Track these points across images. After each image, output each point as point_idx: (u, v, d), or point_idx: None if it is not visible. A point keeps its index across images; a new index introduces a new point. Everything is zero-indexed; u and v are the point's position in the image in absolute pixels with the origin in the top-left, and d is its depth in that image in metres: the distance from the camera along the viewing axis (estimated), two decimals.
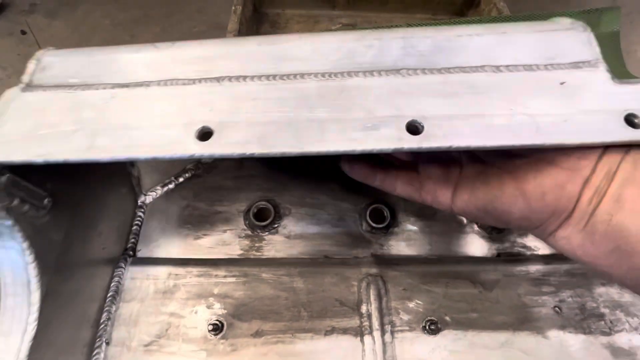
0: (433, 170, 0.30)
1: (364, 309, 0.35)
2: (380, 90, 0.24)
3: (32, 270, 0.26)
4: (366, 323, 0.34)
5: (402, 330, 0.34)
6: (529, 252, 0.39)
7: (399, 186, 0.31)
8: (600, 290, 0.35)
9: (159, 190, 0.42)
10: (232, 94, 0.24)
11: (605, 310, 0.34)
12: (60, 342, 0.29)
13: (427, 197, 0.29)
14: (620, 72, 0.57)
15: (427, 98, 0.23)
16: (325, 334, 0.34)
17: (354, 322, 0.34)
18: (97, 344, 0.33)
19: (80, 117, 0.24)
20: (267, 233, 0.40)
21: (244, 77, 0.25)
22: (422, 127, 0.22)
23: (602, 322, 0.34)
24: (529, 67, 0.24)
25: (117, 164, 0.39)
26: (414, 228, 0.41)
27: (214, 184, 0.42)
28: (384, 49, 0.25)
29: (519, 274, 0.37)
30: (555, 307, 0.35)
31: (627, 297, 0.35)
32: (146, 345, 0.33)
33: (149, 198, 0.41)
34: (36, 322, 0.26)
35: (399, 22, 0.69)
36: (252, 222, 0.40)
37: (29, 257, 0.26)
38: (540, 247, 0.40)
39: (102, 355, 0.32)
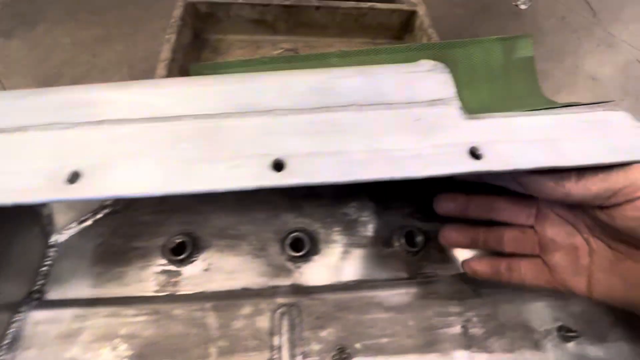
0: (558, 259, 0.30)
1: (275, 341, 0.35)
2: (252, 130, 0.25)
3: None
4: (276, 356, 0.34)
5: None
6: (441, 273, 0.40)
7: (528, 278, 0.31)
8: (505, 307, 0.37)
9: (74, 228, 0.41)
10: (109, 136, 0.25)
11: (508, 329, 0.36)
12: None
13: (561, 288, 0.30)
14: (535, 95, 0.62)
15: (293, 137, 0.25)
16: None
17: (264, 356, 0.34)
18: None
19: None
20: (185, 267, 0.40)
21: (122, 120, 0.26)
22: (285, 164, 0.24)
23: (504, 340, 0.35)
24: (389, 104, 0.26)
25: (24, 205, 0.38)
26: (334, 255, 0.42)
27: (132, 220, 0.42)
28: (261, 91, 0.27)
29: (429, 297, 0.38)
30: (462, 326, 0.36)
31: (526, 312, 0.37)
32: None
33: (62, 237, 0.40)
34: None
35: (339, 46, 0.73)
36: (169, 257, 0.39)
37: None
38: (452, 268, 0.41)
39: None
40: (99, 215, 0.42)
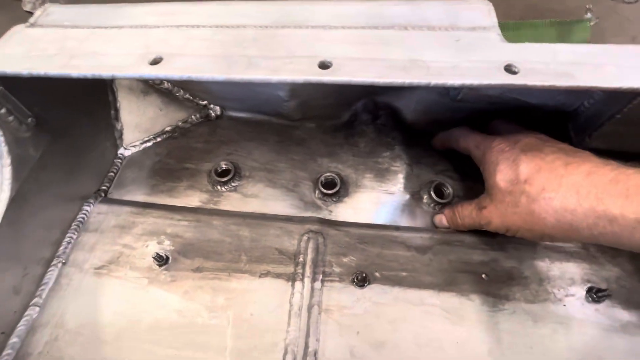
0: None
1: (300, 258, 0.37)
2: (304, 38, 0.29)
3: (6, 173, 0.31)
4: (300, 271, 0.36)
5: (332, 280, 0.36)
6: None
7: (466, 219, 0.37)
8: (530, 262, 0.36)
9: (138, 146, 0.47)
10: (185, 35, 0.30)
11: (533, 281, 0.35)
12: (20, 250, 0.33)
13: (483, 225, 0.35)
14: None
15: (341, 45, 0.28)
16: (260, 276, 0.36)
17: (289, 269, 0.37)
18: (54, 262, 0.36)
19: (63, 46, 0.30)
20: (225, 190, 0.44)
21: (198, 26, 0.30)
22: (331, 64, 0.26)
23: (528, 291, 0.35)
24: (432, 28, 0.28)
25: (103, 118, 0.44)
26: (363, 199, 0.44)
27: (186, 145, 0.47)
28: (314, 12, 0.30)
29: (454, 243, 0.38)
30: (483, 274, 0.36)
31: (555, 270, 0.36)
32: (97, 269, 0.36)
33: (128, 151, 0.46)
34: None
35: None
36: (214, 179, 0.44)
37: (6, 160, 0.31)
38: None
39: (56, 272, 0.36)
40: (159, 139, 0.48)
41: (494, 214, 0.33)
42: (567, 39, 0.58)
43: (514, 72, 0.25)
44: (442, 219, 0.39)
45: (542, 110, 0.39)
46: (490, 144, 0.34)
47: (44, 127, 0.34)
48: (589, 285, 0.35)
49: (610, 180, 0.26)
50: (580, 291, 0.35)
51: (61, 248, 0.37)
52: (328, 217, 0.42)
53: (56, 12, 0.33)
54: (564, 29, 0.58)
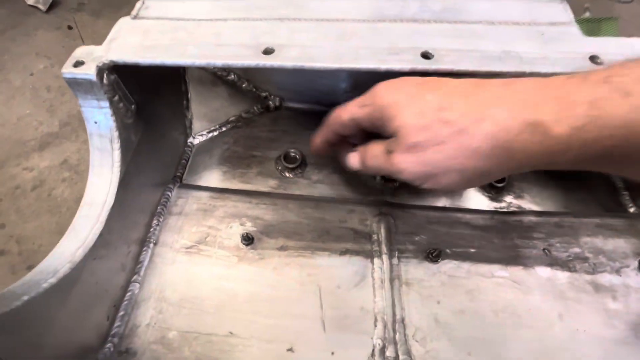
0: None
1: (375, 237, 0.40)
2: (402, 31, 0.31)
3: (116, 156, 0.33)
4: (376, 248, 0.39)
5: (407, 257, 0.39)
6: (525, 207, 0.44)
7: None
8: (586, 239, 0.40)
9: (205, 135, 0.49)
10: (290, 28, 0.32)
11: (590, 255, 0.39)
12: (125, 229, 0.35)
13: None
14: None
15: (437, 38, 0.31)
16: (341, 254, 0.39)
17: (366, 247, 0.40)
18: (146, 243, 0.38)
19: (175, 36, 0.32)
20: (293, 176, 0.46)
21: (299, 19, 0.33)
22: (433, 55, 0.29)
23: (587, 264, 0.38)
24: (516, 23, 0.31)
25: (177, 107, 0.46)
26: None
27: (251, 135, 0.49)
28: (405, 6, 0.33)
29: (513, 223, 0.42)
30: (544, 249, 0.39)
31: (609, 245, 0.39)
32: (187, 248, 0.39)
33: (196, 140, 0.49)
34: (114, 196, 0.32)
35: None
36: (282, 165, 0.46)
37: (116, 144, 0.33)
38: (533, 206, 0.45)
39: (149, 252, 0.38)
40: (224, 128, 0.50)
41: (407, 160, 0.26)
42: (597, 35, 0.62)
43: (599, 63, 0.28)
44: (354, 159, 0.33)
45: None
46: (375, 91, 0.28)
47: (141, 115, 0.36)
48: None
49: (535, 87, 0.23)
50: (634, 262, 0.38)
51: (151, 230, 0.39)
52: (391, 200, 0.45)
53: (155, 5, 0.35)
54: (592, 26, 0.62)
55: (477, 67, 0.28)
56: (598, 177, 0.49)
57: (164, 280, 0.37)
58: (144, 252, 0.38)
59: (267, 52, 0.30)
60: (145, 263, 0.37)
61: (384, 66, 0.29)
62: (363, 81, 0.47)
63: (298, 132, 0.50)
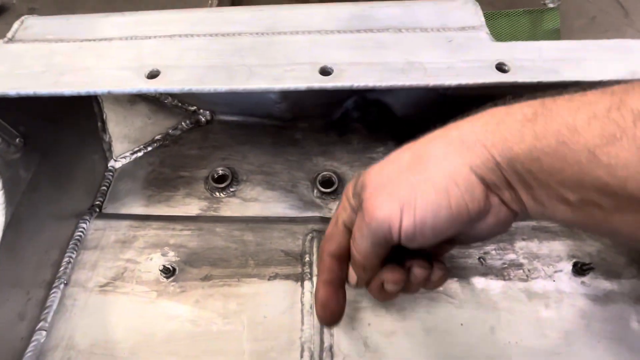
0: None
1: (306, 258, 0.38)
2: (302, 44, 0.29)
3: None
4: (307, 270, 0.37)
5: None
6: None
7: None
8: (521, 244, 0.39)
9: (128, 157, 0.46)
10: (180, 46, 0.29)
11: (524, 261, 0.38)
12: (20, 275, 0.32)
13: None
14: None
15: (339, 50, 0.28)
16: (269, 279, 0.37)
17: (296, 269, 0.38)
18: (55, 284, 0.35)
19: (50, 62, 0.28)
20: (224, 196, 0.44)
21: (192, 35, 0.30)
22: (332, 70, 0.27)
23: (521, 271, 0.37)
24: (424, 29, 0.29)
25: (90, 131, 0.43)
26: None
27: (179, 153, 0.46)
28: (309, 15, 0.31)
29: None
30: (479, 258, 0.38)
31: (544, 249, 0.39)
32: (102, 286, 0.36)
33: (118, 163, 0.45)
34: None
35: None
36: (211, 185, 0.44)
37: None
38: None
39: (59, 294, 0.35)
40: (150, 148, 0.47)
41: (374, 200, 0.23)
42: (539, 27, 0.62)
43: (505, 71, 0.27)
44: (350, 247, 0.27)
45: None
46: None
47: (33, 147, 0.33)
48: (574, 260, 0.38)
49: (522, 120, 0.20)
50: (568, 266, 0.38)
51: (61, 269, 0.36)
52: (328, 215, 0.43)
53: (36, 24, 0.32)
54: (535, 17, 0.61)
55: (378, 82, 0.26)
56: None
57: (75, 325, 0.34)
58: (52, 295, 0.35)
59: (152, 75, 0.27)
60: (54, 307, 0.34)
61: (277, 86, 0.27)
62: (291, 92, 0.45)
63: (231, 146, 0.48)
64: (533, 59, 0.27)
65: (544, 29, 0.62)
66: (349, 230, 0.26)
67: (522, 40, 0.61)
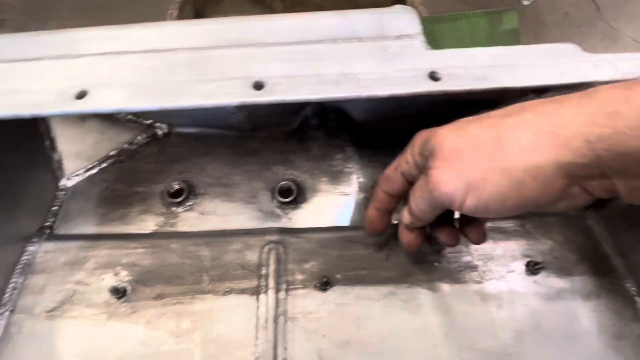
0: None
1: (263, 271, 0.38)
2: (237, 58, 0.29)
3: None
4: (263, 283, 0.37)
5: (295, 288, 0.37)
6: None
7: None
8: (476, 246, 0.40)
9: (82, 174, 0.45)
10: (112, 64, 0.29)
11: (479, 263, 0.38)
12: None
13: None
14: None
15: (273, 63, 0.28)
16: (224, 294, 0.36)
17: (252, 283, 0.37)
18: (0, 312, 0.34)
19: None
20: (181, 210, 0.43)
21: (125, 52, 0.29)
22: (265, 84, 0.27)
23: (476, 273, 0.38)
24: (361, 39, 0.29)
25: (37, 150, 0.42)
26: (320, 202, 0.45)
27: (134, 168, 0.46)
28: (246, 28, 0.30)
29: None
30: (435, 262, 0.39)
31: (499, 249, 0.39)
32: (49, 311, 0.35)
33: (71, 182, 0.44)
34: None
35: None
36: (167, 200, 0.43)
37: None
38: None
39: (3, 322, 0.34)
40: (104, 164, 0.46)
41: (443, 172, 0.23)
42: (498, 28, 0.63)
43: (437, 79, 0.27)
44: (403, 213, 0.31)
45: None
46: (412, 140, 0.28)
47: None
48: (527, 259, 0.38)
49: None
50: (521, 266, 0.38)
51: (6, 295, 0.35)
52: (288, 224, 0.43)
53: None
54: (494, 18, 0.62)
55: (309, 96, 0.26)
56: None
57: (20, 354, 0.33)
58: None
59: (80, 96, 0.26)
60: None
61: (208, 102, 0.26)
62: (249, 104, 0.44)
63: (188, 159, 0.47)
64: (466, 66, 0.28)
65: (503, 30, 0.63)
66: (406, 179, 0.29)
67: (482, 42, 0.62)
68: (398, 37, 0.30)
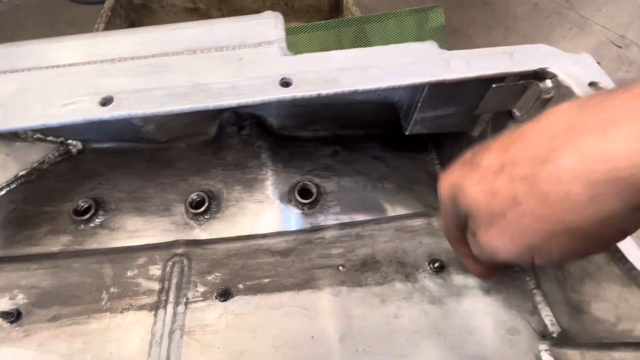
0: None
1: (165, 285, 0.37)
2: (90, 75, 0.28)
3: None
4: (163, 298, 0.36)
5: (195, 301, 0.36)
6: (331, 222, 0.43)
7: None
8: (383, 246, 0.39)
9: None
10: None
11: (383, 264, 0.38)
12: None
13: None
14: None
15: (124, 78, 0.28)
16: (122, 312, 0.36)
17: (152, 298, 0.37)
18: None
19: None
20: (90, 227, 0.43)
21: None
22: (112, 100, 0.26)
23: (378, 274, 0.37)
24: (220, 49, 0.29)
25: None
26: (235, 212, 0.44)
27: (45, 187, 0.45)
28: (108, 42, 0.30)
29: (315, 241, 0.40)
30: (339, 266, 0.38)
31: (405, 248, 0.39)
32: None
33: None
34: None
35: None
36: (75, 219, 0.42)
37: None
38: (346, 217, 0.44)
39: None
40: (13, 185, 0.45)
41: (493, 238, 0.21)
42: (425, 25, 0.63)
43: (288, 85, 0.27)
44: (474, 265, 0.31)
45: (371, 104, 0.41)
46: (439, 189, 0.26)
47: None
48: (431, 258, 0.38)
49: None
50: (424, 265, 0.38)
51: None
52: (201, 236, 0.43)
53: None
54: (420, 15, 0.62)
55: (155, 109, 0.26)
56: (420, 171, 0.49)
57: None
58: None
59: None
60: None
61: (54, 121, 0.26)
62: (151, 117, 0.44)
63: (101, 174, 0.46)
64: (319, 70, 0.27)
65: (430, 27, 0.63)
66: (460, 228, 0.25)
67: (410, 40, 0.62)
68: (257, 45, 0.29)
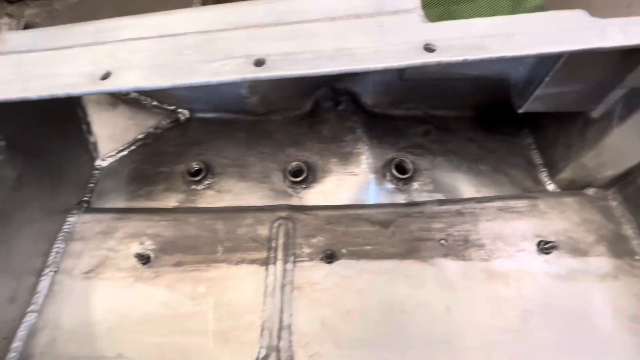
0: None
1: (272, 244, 0.40)
2: (240, 39, 0.30)
3: None
4: (272, 255, 0.39)
5: (302, 260, 0.39)
6: (427, 198, 0.43)
7: None
8: (485, 224, 0.39)
9: (114, 156, 0.49)
10: (130, 49, 0.32)
11: (487, 241, 0.38)
12: (10, 264, 0.36)
13: None
14: None
15: (273, 42, 0.30)
16: (236, 264, 0.39)
17: (262, 255, 0.39)
18: (45, 272, 0.39)
19: (20, 71, 0.32)
20: (200, 188, 0.46)
21: (142, 38, 0.32)
22: (265, 61, 0.29)
23: (482, 251, 0.37)
24: (357, 16, 0.30)
25: (76, 133, 0.47)
26: (330, 182, 0.46)
27: (159, 150, 0.50)
28: (249, 11, 0.32)
29: (415, 215, 0.41)
30: (441, 239, 0.39)
31: (508, 229, 0.38)
32: (85, 273, 0.39)
33: (105, 162, 0.49)
34: None
35: None
36: (187, 179, 0.46)
37: None
38: (441, 194, 0.44)
39: (48, 280, 0.39)
40: (133, 147, 0.50)
41: None
42: (521, 6, 0.60)
43: (432, 50, 0.27)
44: None
45: (484, 80, 0.40)
46: None
47: (17, 149, 0.37)
48: (538, 239, 0.37)
49: None
50: (531, 245, 0.37)
51: (51, 258, 0.40)
52: (298, 203, 0.45)
53: (12, 38, 0.35)
54: None
55: (307, 70, 0.28)
56: (515, 156, 0.48)
57: (61, 308, 0.37)
58: (43, 281, 0.39)
59: (104, 77, 0.30)
60: (44, 292, 0.38)
61: (215, 79, 0.28)
62: (258, 87, 0.47)
63: (207, 142, 0.50)
64: (462, 36, 0.28)
65: (527, 6, 0.60)
66: None
67: None
68: (395, 12, 0.30)
